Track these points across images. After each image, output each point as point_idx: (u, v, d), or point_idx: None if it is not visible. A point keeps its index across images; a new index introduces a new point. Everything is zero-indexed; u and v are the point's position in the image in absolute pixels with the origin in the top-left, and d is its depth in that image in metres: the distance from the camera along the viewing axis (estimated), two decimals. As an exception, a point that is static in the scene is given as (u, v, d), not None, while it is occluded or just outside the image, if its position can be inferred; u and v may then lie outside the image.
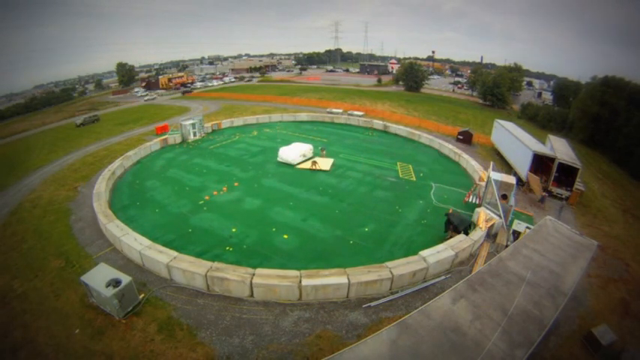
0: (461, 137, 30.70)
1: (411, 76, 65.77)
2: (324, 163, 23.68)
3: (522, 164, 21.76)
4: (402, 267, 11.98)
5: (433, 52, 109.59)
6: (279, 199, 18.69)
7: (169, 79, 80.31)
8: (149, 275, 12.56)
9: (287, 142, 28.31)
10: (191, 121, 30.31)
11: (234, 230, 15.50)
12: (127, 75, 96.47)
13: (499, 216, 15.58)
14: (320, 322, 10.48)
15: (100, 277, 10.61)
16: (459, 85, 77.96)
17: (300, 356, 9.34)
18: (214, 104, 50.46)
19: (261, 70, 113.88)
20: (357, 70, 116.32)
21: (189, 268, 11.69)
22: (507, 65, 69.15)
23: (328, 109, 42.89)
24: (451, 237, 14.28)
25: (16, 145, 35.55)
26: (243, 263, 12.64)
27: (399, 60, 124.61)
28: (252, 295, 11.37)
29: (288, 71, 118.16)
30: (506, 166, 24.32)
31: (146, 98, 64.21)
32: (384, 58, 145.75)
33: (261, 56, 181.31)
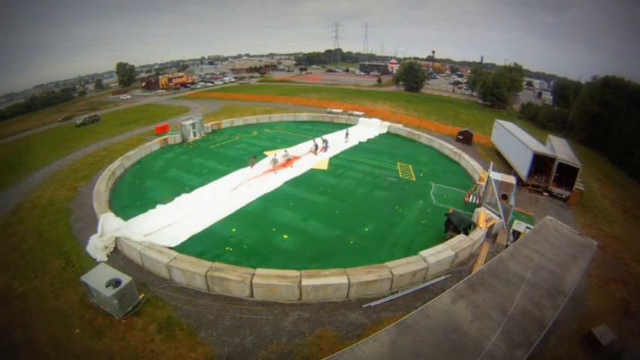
0: (461, 137, 30.68)
1: (411, 76, 65.83)
2: (320, 163, 23.88)
3: (522, 164, 21.77)
4: (402, 267, 11.98)
5: (433, 52, 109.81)
6: (279, 199, 18.69)
7: (169, 79, 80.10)
8: (149, 275, 12.55)
9: (287, 142, 28.35)
10: (191, 121, 30.27)
11: (234, 230, 15.50)
12: (127, 75, 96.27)
13: (499, 216, 15.59)
14: (320, 322, 10.48)
15: (100, 277, 10.60)
16: (459, 86, 77.97)
17: (300, 356, 9.34)
18: (214, 104, 50.42)
19: (261, 70, 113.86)
20: (357, 70, 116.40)
21: (189, 268, 11.69)
22: (507, 65, 69.26)
23: (328, 109, 42.86)
24: (451, 237, 14.28)
25: (16, 145, 35.52)
26: (243, 263, 12.62)
27: (399, 60, 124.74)
28: (252, 295, 11.37)
29: (288, 71, 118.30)
30: (506, 166, 24.32)
31: (138, 94, 72.31)
32: (384, 58, 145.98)
33: (261, 56, 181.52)
